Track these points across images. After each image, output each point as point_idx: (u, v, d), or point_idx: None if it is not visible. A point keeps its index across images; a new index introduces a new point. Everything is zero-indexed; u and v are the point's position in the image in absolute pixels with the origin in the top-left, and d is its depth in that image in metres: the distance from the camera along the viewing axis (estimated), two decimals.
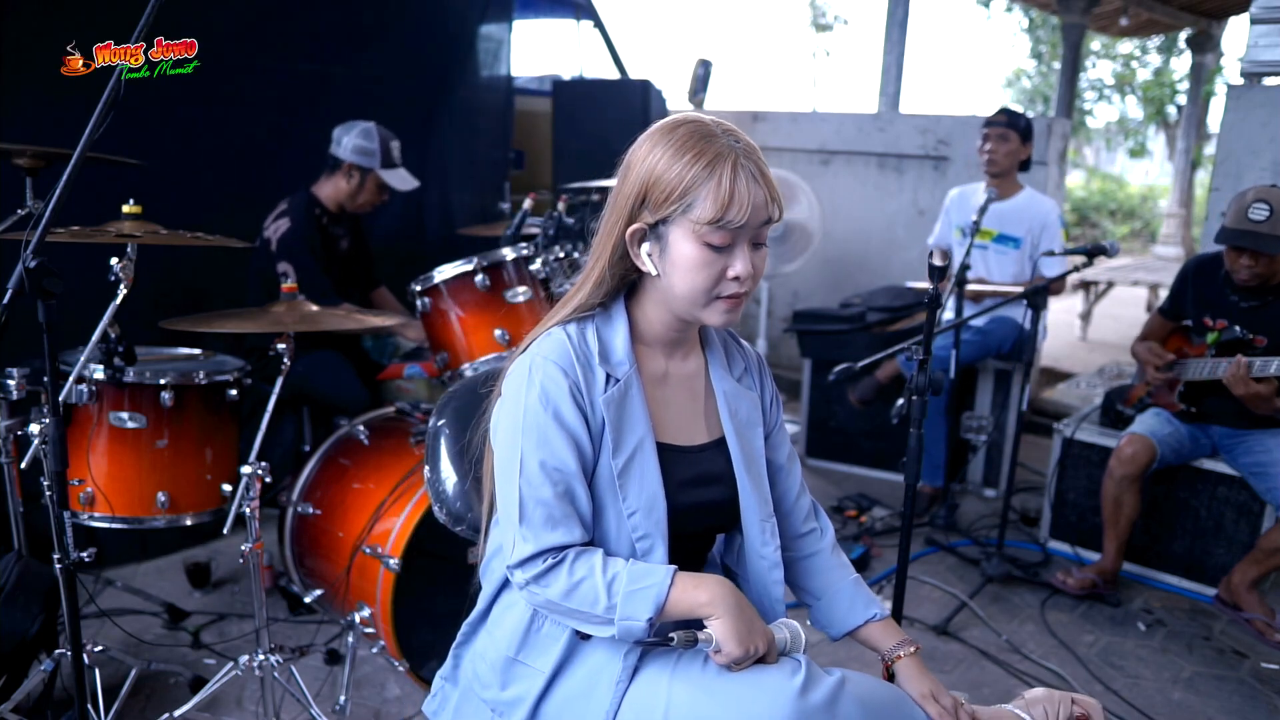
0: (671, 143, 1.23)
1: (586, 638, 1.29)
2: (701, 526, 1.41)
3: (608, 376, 1.28)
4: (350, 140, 3.00)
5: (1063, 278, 3.47)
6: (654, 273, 1.27)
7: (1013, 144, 3.63)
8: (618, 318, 1.32)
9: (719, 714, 1.19)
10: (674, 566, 1.25)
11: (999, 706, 1.38)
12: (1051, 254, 3.35)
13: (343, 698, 2.24)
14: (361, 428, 2.55)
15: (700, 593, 1.23)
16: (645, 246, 1.27)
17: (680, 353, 1.39)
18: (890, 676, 1.40)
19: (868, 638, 1.45)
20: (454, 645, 1.46)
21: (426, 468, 1.82)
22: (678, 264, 1.24)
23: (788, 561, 1.47)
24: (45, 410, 1.64)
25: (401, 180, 3.11)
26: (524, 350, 1.32)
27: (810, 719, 1.16)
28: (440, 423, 1.83)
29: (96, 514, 2.25)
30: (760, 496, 1.39)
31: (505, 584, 1.38)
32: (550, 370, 1.25)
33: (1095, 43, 15.57)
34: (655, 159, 1.23)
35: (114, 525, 2.27)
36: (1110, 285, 7.66)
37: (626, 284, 1.34)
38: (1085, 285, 7.45)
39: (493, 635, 1.38)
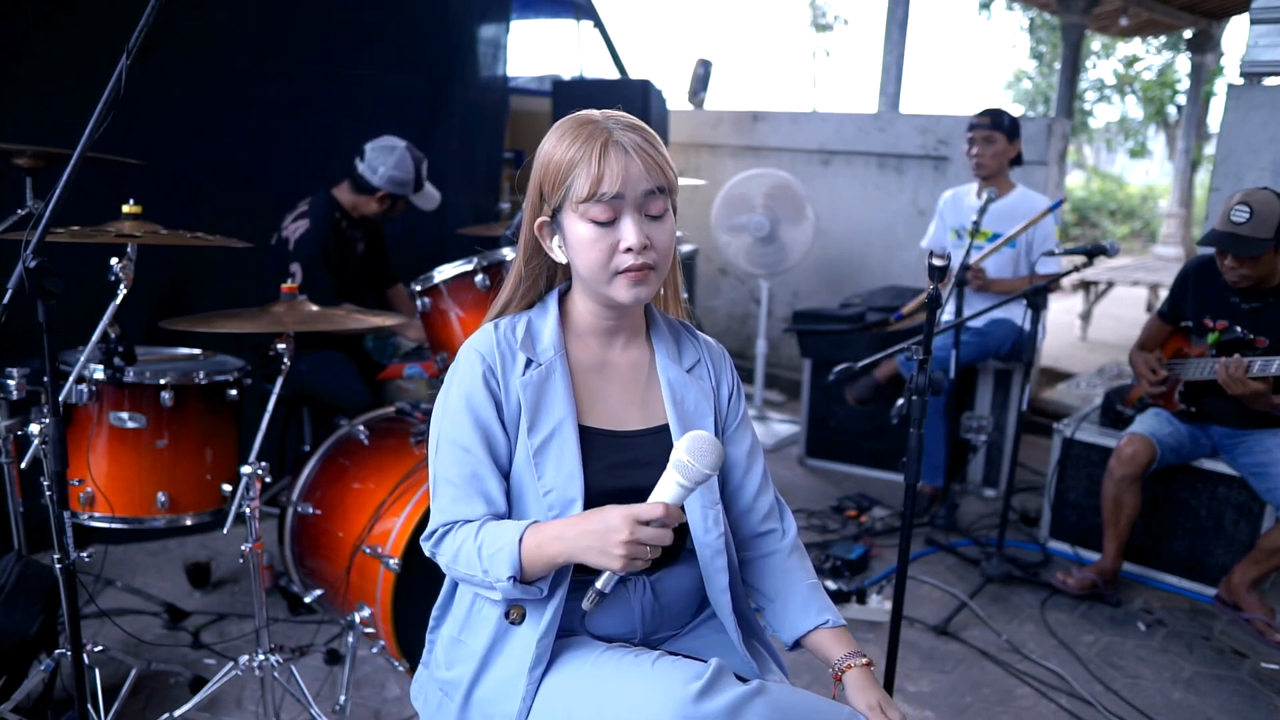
0: (555, 136, 1.29)
1: (509, 617, 1.31)
2: None
3: (528, 361, 1.32)
4: (386, 171, 3.03)
5: (1057, 276, 3.46)
6: (563, 260, 1.33)
7: (999, 144, 3.59)
8: (550, 309, 1.38)
9: (614, 709, 1.19)
10: (529, 521, 1.24)
11: None
12: (1051, 254, 3.33)
13: (343, 698, 2.24)
14: (362, 428, 2.55)
15: (551, 545, 1.21)
16: (555, 239, 1.32)
17: (620, 341, 1.41)
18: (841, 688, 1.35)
19: (818, 645, 1.39)
20: (428, 631, 1.46)
21: None
22: (574, 247, 1.29)
23: (743, 561, 1.47)
24: (45, 410, 1.64)
25: (429, 200, 3.20)
26: None
27: None
28: None
29: (96, 514, 2.25)
30: (704, 484, 1.38)
31: None
32: (470, 357, 1.32)
33: (1095, 43, 15.57)
34: (543, 153, 1.30)
35: (114, 525, 2.27)
36: (1110, 285, 7.66)
37: (547, 279, 1.40)
38: (1085, 285, 7.45)
39: (454, 616, 1.40)
